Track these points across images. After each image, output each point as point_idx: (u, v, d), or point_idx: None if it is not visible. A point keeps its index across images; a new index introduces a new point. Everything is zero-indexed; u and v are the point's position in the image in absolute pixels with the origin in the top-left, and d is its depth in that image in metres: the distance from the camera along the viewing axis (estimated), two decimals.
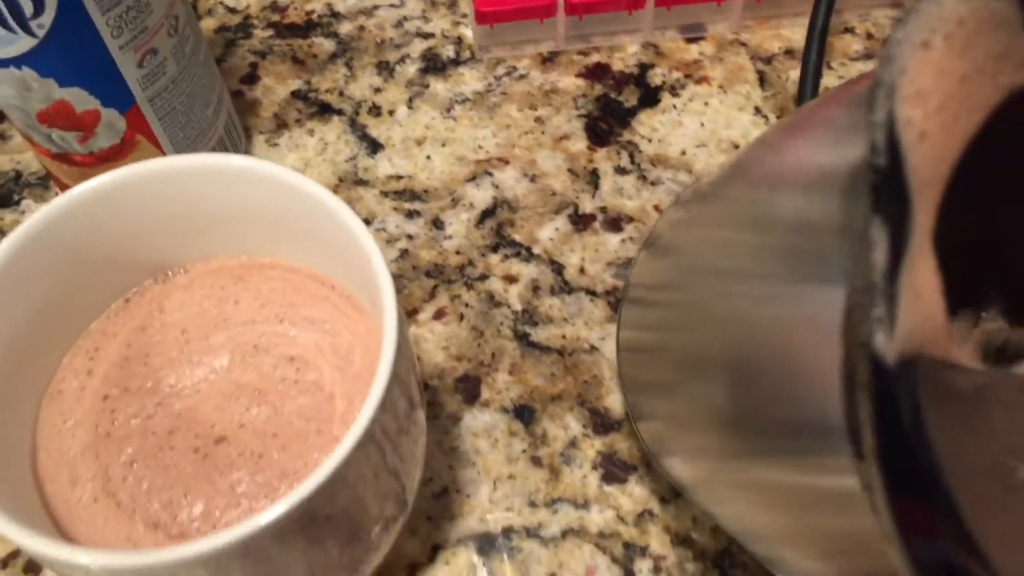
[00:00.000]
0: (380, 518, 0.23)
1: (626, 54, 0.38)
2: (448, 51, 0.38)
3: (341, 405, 0.23)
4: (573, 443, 0.29)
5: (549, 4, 0.36)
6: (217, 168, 0.23)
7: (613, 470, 0.29)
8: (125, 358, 0.23)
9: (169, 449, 0.22)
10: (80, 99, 0.28)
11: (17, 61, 0.27)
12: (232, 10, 0.40)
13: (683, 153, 0.35)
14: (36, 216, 0.22)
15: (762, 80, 0.37)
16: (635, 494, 0.28)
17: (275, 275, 0.25)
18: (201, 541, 0.18)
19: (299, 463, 0.22)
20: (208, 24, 0.39)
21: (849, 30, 0.38)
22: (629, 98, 0.37)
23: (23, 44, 0.26)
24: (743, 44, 0.38)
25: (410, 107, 0.37)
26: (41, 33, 0.26)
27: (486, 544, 0.28)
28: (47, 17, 0.26)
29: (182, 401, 0.23)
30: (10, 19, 0.25)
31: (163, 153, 0.31)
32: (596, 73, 0.37)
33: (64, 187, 0.32)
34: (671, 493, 0.28)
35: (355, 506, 0.21)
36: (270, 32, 0.39)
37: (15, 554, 0.27)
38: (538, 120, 0.36)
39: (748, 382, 0.19)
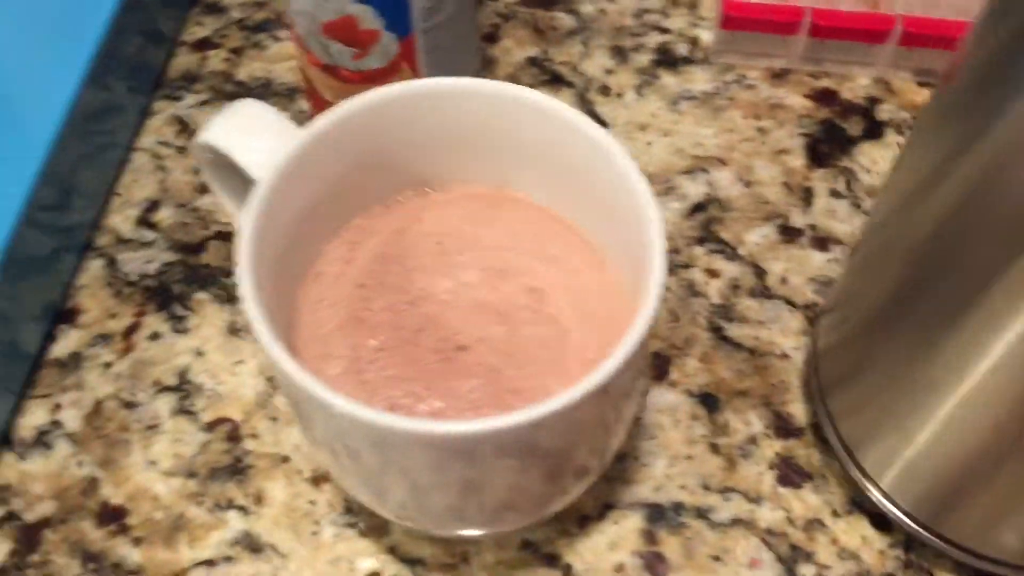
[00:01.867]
0: (582, 466, 0.24)
1: (855, 84, 0.38)
2: (682, 48, 0.39)
3: (576, 342, 0.24)
4: (753, 440, 0.30)
5: (794, 22, 0.37)
6: (491, 94, 0.25)
7: (789, 474, 0.29)
8: (383, 255, 0.25)
9: (415, 345, 0.24)
10: (367, 17, 0.30)
11: None
12: None
13: None
14: (326, 118, 0.24)
15: None
16: (808, 501, 0.29)
17: (525, 209, 0.26)
18: (453, 423, 0.19)
19: (532, 383, 0.23)
20: None
21: None
22: (853, 127, 0.37)
23: None
24: None
25: (638, 94, 0.38)
26: None
27: (656, 514, 0.28)
28: None
29: (429, 305, 0.24)
30: None
31: None
32: (823, 97, 0.38)
33: (318, 99, 0.34)
34: (845, 508, 0.29)
35: (569, 445, 0.22)
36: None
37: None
38: (760, 130, 0.37)
39: None
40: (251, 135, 0.23)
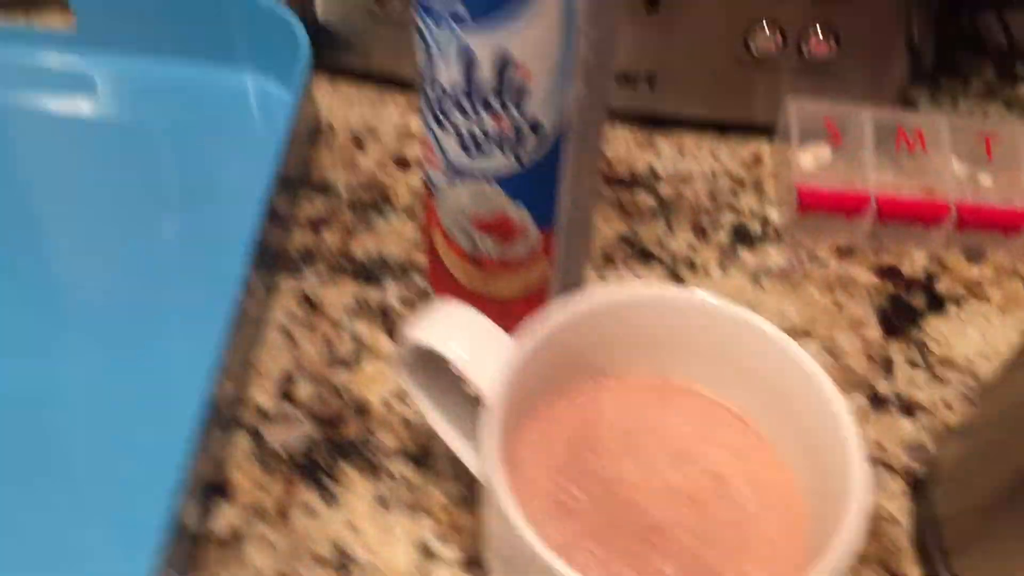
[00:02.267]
0: None
1: (913, 260, 0.42)
2: (755, 226, 0.43)
3: (760, 527, 0.26)
4: None
5: (862, 207, 0.41)
6: (680, 300, 0.28)
7: None
8: (572, 441, 0.28)
9: (616, 528, 0.26)
10: (520, 215, 0.33)
11: (491, 176, 0.32)
12: None
13: (968, 360, 0.39)
14: (542, 327, 0.27)
15: None
16: None
17: (696, 399, 0.29)
18: None
19: (731, 568, 0.25)
20: None
21: None
22: (916, 299, 0.41)
23: (505, 166, 0.31)
24: (1019, 276, 0.42)
25: (722, 269, 0.42)
26: (527, 162, 0.31)
27: None
28: (539, 152, 0.31)
29: (624, 490, 0.27)
30: (507, 146, 0.31)
31: (551, 271, 0.36)
32: (887, 272, 0.42)
33: (446, 281, 0.37)
34: None
35: None
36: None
37: None
38: (836, 304, 0.41)
39: None
40: (472, 343, 0.26)
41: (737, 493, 0.27)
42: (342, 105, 0.47)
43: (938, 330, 0.40)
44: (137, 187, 0.43)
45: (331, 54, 0.46)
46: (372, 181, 0.44)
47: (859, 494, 0.24)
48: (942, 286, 0.42)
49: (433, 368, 0.29)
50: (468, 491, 0.34)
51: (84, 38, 0.46)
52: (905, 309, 0.41)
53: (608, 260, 0.42)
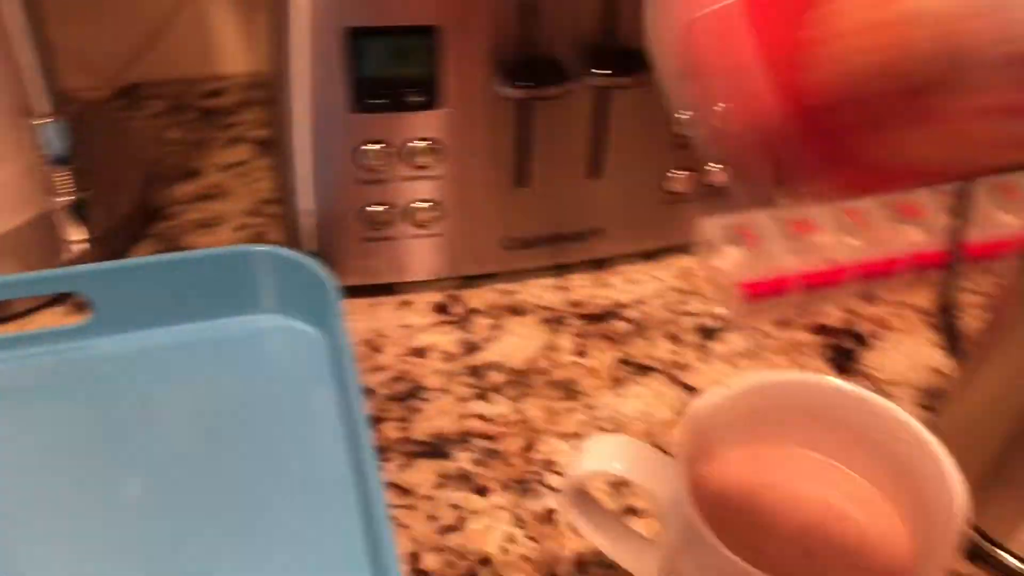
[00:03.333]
0: None
1: (832, 316, 0.54)
2: (710, 323, 0.54)
3: (868, 528, 0.35)
4: None
5: (787, 286, 0.53)
6: (810, 384, 0.37)
7: None
8: (712, 517, 0.35)
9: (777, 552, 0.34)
10: None
11: None
12: (544, 307, 0.54)
13: (903, 376, 0.51)
14: (703, 406, 0.35)
15: (930, 326, 0.54)
16: None
17: (785, 454, 0.38)
18: None
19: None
20: (531, 319, 0.53)
21: None
22: (847, 343, 0.53)
23: None
24: (906, 305, 0.55)
25: (704, 363, 0.51)
26: None
27: None
28: None
29: (771, 533, 0.35)
30: None
31: None
32: (819, 330, 0.53)
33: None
34: None
35: None
36: (579, 320, 0.53)
37: None
38: (796, 364, 0.52)
39: None
40: (635, 459, 0.34)
41: (844, 511, 0.36)
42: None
43: (872, 361, 0.52)
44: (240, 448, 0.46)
45: None
46: (401, 374, 0.50)
47: (958, 519, 0.33)
48: (861, 328, 0.54)
49: (586, 498, 0.36)
50: None
51: (98, 328, 0.50)
52: (843, 353, 0.52)
53: (617, 381, 0.50)
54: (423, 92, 0.47)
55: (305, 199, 0.50)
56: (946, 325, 0.53)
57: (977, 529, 0.41)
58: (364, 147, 0.48)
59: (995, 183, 0.57)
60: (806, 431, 0.38)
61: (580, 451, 0.35)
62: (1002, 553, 0.41)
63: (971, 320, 0.54)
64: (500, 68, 0.47)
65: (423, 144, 0.48)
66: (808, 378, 0.37)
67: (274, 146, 0.51)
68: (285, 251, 0.49)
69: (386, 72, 0.46)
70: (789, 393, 0.37)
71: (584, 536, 0.38)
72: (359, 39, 0.46)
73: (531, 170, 0.50)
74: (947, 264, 0.54)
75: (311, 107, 0.47)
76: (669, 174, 0.53)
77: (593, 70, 0.47)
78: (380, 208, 0.50)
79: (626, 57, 0.47)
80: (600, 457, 0.34)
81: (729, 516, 0.36)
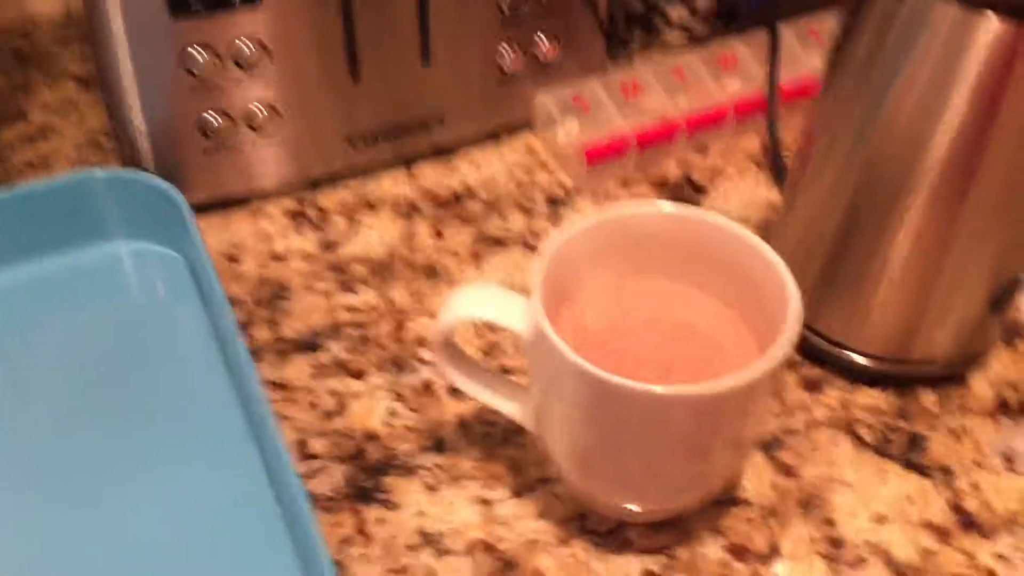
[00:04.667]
0: (733, 448, 0.38)
1: (670, 170, 0.57)
2: (559, 192, 0.56)
3: (721, 339, 0.38)
4: None
5: (627, 147, 0.55)
6: (650, 213, 0.39)
7: None
8: (576, 346, 0.38)
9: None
10: None
11: None
12: (397, 199, 0.55)
13: (741, 215, 0.54)
14: (561, 238, 0.37)
15: (759, 166, 0.57)
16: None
17: (644, 282, 0.40)
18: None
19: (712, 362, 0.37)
20: (385, 212, 0.54)
21: None
22: (688, 194, 0.56)
23: None
24: (739, 150, 0.59)
25: (557, 228, 0.53)
26: None
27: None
28: None
29: (631, 355, 0.37)
30: None
31: None
32: (659, 184, 0.56)
33: None
34: None
35: (734, 422, 0.36)
36: (432, 207, 0.55)
37: None
38: None
39: None
40: (495, 302, 0.35)
41: (697, 327, 0.39)
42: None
43: (712, 205, 0.55)
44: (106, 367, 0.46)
45: None
46: (264, 280, 0.51)
47: (794, 315, 0.36)
48: (697, 177, 0.57)
49: (456, 352, 0.38)
50: (491, 447, 0.43)
51: None
52: (685, 201, 0.55)
53: (477, 257, 0.52)
54: None
55: (137, 116, 0.49)
56: (774, 163, 0.57)
57: (818, 333, 0.46)
58: (189, 52, 0.47)
59: (801, 27, 0.61)
60: (660, 259, 0.40)
61: (445, 303, 0.37)
62: (842, 350, 0.45)
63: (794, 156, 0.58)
64: None
65: (250, 44, 0.48)
66: (654, 207, 0.40)
67: (98, 70, 0.50)
68: (128, 172, 0.49)
69: None
70: (640, 224, 0.40)
71: (461, 388, 0.40)
72: None
73: (363, 63, 0.51)
74: (767, 108, 0.58)
75: (127, 16, 0.46)
76: (501, 53, 0.54)
77: None
78: (216, 116, 0.50)
79: None
80: (464, 305, 0.36)
81: (592, 348, 0.38)
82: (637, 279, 0.40)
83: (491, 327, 0.48)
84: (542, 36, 0.55)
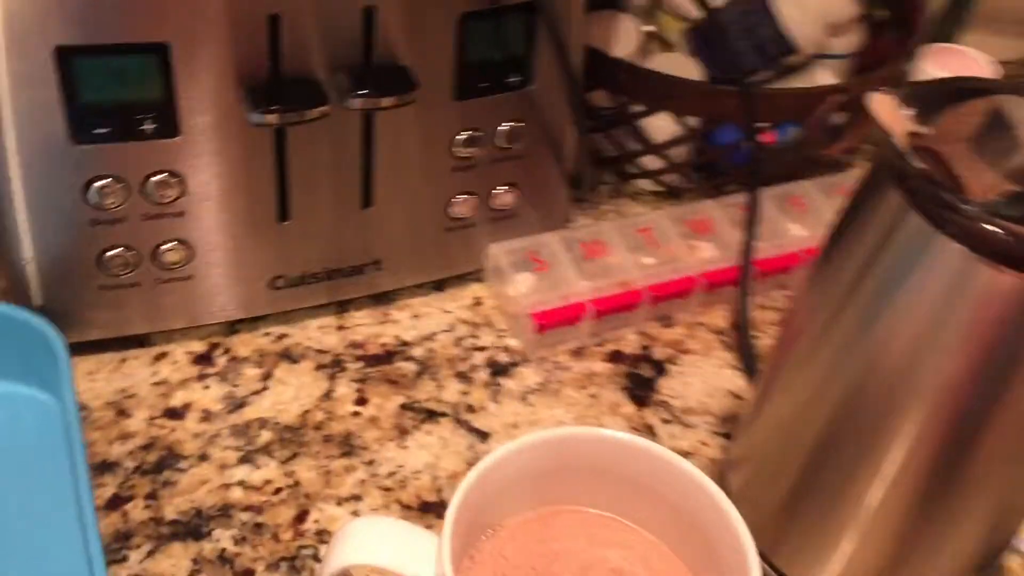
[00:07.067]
0: None
1: (629, 341, 0.52)
2: (503, 357, 0.50)
3: None
4: None
5: (582, 314, 0.50)
6: (559, 438, 0.33)
7: None
8: None
9: None
10: None
11: None
12: (321, 352, 0.49)
13: (701, 403, 0.49)
14: (463, 489, 0.31)
15: (725, 345, 0.52)
16: None
17: (570, 517, 0.34)
18: None
19: None
20: (305, 366, 0.48)
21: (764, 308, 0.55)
22: (645, 370, 0.50)
23: None
24: (703, 325, 0.53)
25: (496, 402, 0.48)
26: None
27: None
28: None
29: None
30: None
31: None
32: (615, 357, 0.51)
33: None
34: None
35: None
36: (359, 364, 0.49)
37: None
38: (592, 396, 0.48)
39: None
40: (396, 546, 0.29)
41: None
42: (85, 380, 0.46)
43: (670, 388, 0.50)
44: None
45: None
46: (151, 440, 0.44)
47: (752, 562, 0.30)
48: (656, 353, 0.51)
49: None
50: None
51: None
52: (640, 381, 0.50)
53: (402, 431, 0.46)
54: (156, 119, 0.40)
55: (26, 246, 0.43)
56: (741, 344, 0.52)
57: (777, 570, 0.40)
58: (94, 183, 0.41)
59: (782, 193, 0.56)
60: (596, 490, 0.34)
61: (332, 543, 0.31)
62: None
63: (767, 338, 0.52)
64: (247, 91, 0.41)
65: (162, 177, 0.42)
66: (591, 432, 0.34)
67: None
68: (2, 307, 0.42)
69: (109, 97, 0.40)
70: (571, 450, 0.34)
71: None
72: (73, 59, 0.39)
73: (293, 202, 0.45)
74: (739, 280, 0.53)
75: (21, 139, 0.40)
76: (452, 199, 0.49)
77: (352, 91, 0.42)
78: (119, 252, 0.43)
79: (387, 76, 0.42)
80: (355, 549, 0.30)
81: None
82: (572, 513, 0.34)
83: None
84: (499, 184, 0.50)
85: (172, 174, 0.42)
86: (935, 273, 0.30)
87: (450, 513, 0.30)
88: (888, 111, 0.29)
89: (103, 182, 0.41)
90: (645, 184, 0.61)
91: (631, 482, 0.33)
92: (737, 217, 0.55)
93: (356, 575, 0.33)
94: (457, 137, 0.47)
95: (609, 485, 0.34)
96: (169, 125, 0.41)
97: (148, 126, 0.41)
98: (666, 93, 0.54)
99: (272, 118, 0.41)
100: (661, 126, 0.57)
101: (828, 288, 0.34)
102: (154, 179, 0.42)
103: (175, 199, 0.43)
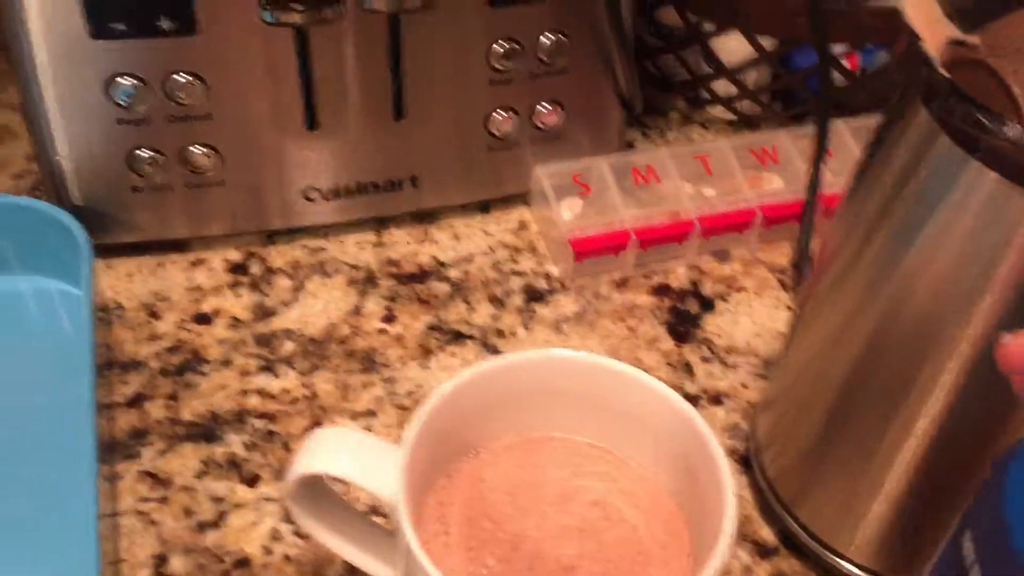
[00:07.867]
0: None
1: (678, 275, 0.49)
2: (541, 283, 0.48)
3: (646, 534, 0.30)
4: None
5: (625, 243, 0.47)
6: (534, 361, 0.31)
7: None
8: (468, 518, 0.30)
9: None
10: None
11: None
12: (355, 267, 0.48)
13: (747, 343, 0.46)
14: (429, 407, 0.29)
15: (783, 285, 0.49)
16: None
17: (558, 445, 0.32)
18: None
19: None
20: (338, 280, 0.47)
21: None
22: (690, 306, 0.47)
23: None
24: (761, 263, 0.50)
25: (526, 329, 0.46)
26: None
27: None
28: None
29: (527, 544, 0.29)
30: None
31: None
32: (661, 291, 0.48)
33: None
34: None
35: None
36: (392, 281, 0.48)
37: None
38: (630, 329, 0.46)
39: None
40: (357, 458, 0.28)
41: (619, 513, 0.30)
42: (123, 281, 0.47)
43: (716, 326, 0.47)
44: None
45: (98, 234, 0.46)
46: (177, 344, 0.44)
47: (729, 500, 0.28)
48: (706, 289, 0.48)
49: (320, 493, 0.30)
50: None
51: None
52: (685, 317, 0.47)
53: (426, 351, 0.45)
54: (173, 15, 0.40)
55: (60, 141, 0.43)
56: (798, 284, 0.48)
57: (802, 525, 0.37)
58: (115, 80, 0.41)
59: (859, 126, 0.51)
60: (587, 420, 0.32)
61: (300, 449, 0.30)
62: (827, 552, 0.36)
63: None
64: None
65: (183, 77, 0.41)
66: (577, 356, 0.32)
67: (20, 94, 0.44)
68: (31, 202, 0.43)
69: None
70: (558, 373, 0.32)
71: (320, 542, 0.32)
72: None
73: (321, 110, 0.44)
74: (802, 215, 0.49)
75: (46, 33, 0.40)
76: (491, 115, 0.47)
77: None
78: (147, 153, 0.43)
79: None
80: (318, 458, 0.29)
81: (482, 530, 0.30)
82: (559, 441, 0.32)
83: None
84: (543, 101, 0.47)
85: (192, 74, 0.42)
86: (967, 202, 0.26)
87: (415, 423, 0.28)
88: (925, 13, 0.25)
89: (124, 79, 0.41)
90: (717, 112, 0.57)
91: (623, 413, 0.31)
92: (809, 150, 0.51)
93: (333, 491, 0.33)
94: (494, 47, 0.44)
95: (602, 415, 0.32)
96: (187, 23, 0.40)
97: (165, 23, 0.40)
98: (735, 8, 0.50)
99: (286, 16, 0.40)
100: (734, 48, 0.53)
101: (855, 220, 0.30)
102: (175, 77, 0.41)
103: (199, 102, 0.42)
